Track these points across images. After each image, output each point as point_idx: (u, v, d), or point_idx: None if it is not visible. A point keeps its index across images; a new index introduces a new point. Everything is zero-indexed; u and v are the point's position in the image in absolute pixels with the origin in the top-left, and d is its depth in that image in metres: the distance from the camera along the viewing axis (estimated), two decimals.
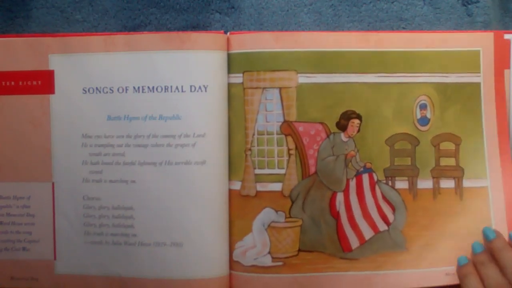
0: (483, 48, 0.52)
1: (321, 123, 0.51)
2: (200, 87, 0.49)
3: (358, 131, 0.52)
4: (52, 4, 0.55)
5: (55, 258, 0.52)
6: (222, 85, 0.50)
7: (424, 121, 0.52)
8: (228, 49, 0.50)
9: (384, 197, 0.52)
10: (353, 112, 0.51)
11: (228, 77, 0.51)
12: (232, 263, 0.51)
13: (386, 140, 0.52)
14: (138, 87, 0.50)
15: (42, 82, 0.51)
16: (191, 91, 0.50)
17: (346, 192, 0.52)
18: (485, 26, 0.54)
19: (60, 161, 0.51)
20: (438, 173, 0.52)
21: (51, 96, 0.51)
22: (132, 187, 0.51)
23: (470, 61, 0.52)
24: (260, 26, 0.54)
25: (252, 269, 0.51)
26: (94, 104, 0.51)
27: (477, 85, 0.52)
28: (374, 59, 0.51)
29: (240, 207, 0.51)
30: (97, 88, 0.51)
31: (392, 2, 0.55)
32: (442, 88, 0.52)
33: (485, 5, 0.54)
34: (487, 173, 0.52)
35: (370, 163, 0.52)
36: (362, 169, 0.52)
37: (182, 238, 0.50)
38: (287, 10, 0.55)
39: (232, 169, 0.51)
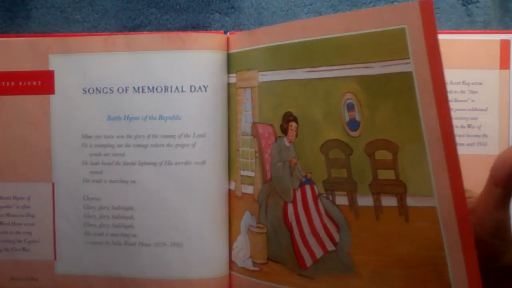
0: (409, 25, 0.37)
1: (271, 125, 0.46)
2: (200, 87, 0.49)
3: (297, 135, 0.44)
4: (52, 4, 0.55)
5: (55, 258, 0.52)
6: (222, 85, 0.50)
7: (353, 125, 0.41)
8: (228, 49, 0.50)
9: (327, 214, 0.44)
10: (291, 114, 0.44)
11: (228, 77, 0.51)
12: (231, 263, 0.51)
13: (321, 147, 0.43)
14: (138, 87, 0.50)
15: (42, 82, 0.51)
16: (191, 91, 0.50)
17: (294, 203, 0.45)
18: (485, 26, 0.54)
19: (60, 161, 0.51)
20: (377, 188, 0.41)
21: (51, 96, 0.51)
22: (132, 187, 0.51)
23: (394, 44, 0.38)
24: (260, 26, 0.54)
25: (242, 271, 0.51)
26: (94, 104, 0.51)
27: (408, 74, 0.37)
28: (301, 51, 0.43)
29: (235, 208, 0.51)
30: (97, 88, 0.51)
31: (392, 2, 0.55)
32: (366, 82, 0.40)
33: (485, 5, 0.54)
34: (434, 191, 0.38)
35: (311, 173, 0.44)
36: (304, 179, 0.45)
37: (182, 238, 0.50)
38: (287, 10, 0.55)
39: (230, 169, 0.51)
